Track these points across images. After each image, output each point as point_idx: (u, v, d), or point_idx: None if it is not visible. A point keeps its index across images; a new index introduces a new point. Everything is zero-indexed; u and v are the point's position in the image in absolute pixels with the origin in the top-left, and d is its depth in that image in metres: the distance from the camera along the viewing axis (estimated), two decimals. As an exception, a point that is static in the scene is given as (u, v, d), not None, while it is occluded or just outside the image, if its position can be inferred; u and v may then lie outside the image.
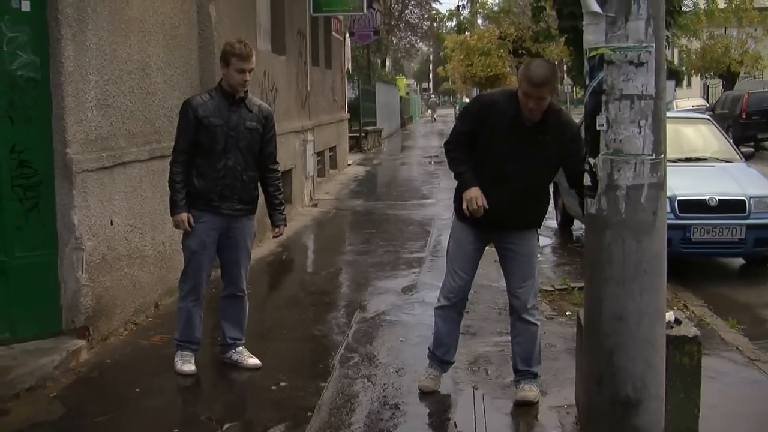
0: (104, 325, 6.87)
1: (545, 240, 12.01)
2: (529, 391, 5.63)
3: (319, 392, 5.83)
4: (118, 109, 7.19)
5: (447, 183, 19.54)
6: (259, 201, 6.38)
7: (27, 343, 6.39)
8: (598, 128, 4.20)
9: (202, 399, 5.92)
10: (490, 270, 9.55)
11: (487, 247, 5.81)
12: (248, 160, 6.15)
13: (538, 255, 10.98)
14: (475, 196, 5.38)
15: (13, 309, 6.40)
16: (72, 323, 6.59)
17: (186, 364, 6.22)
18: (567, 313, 7.75)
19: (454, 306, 5.78)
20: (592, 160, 4.28)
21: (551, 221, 13.16)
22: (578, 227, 12.18)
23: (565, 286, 8.72)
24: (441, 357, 5.87)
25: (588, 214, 4.35)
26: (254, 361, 6.35)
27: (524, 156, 5.37)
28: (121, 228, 7.18)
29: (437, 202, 16.07)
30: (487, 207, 5.38)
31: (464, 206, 5.43)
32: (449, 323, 5.83)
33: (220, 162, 6.04)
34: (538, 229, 5.82)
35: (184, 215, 6.06)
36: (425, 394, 5.77)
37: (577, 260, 10.17)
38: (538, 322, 5.73)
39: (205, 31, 9.37)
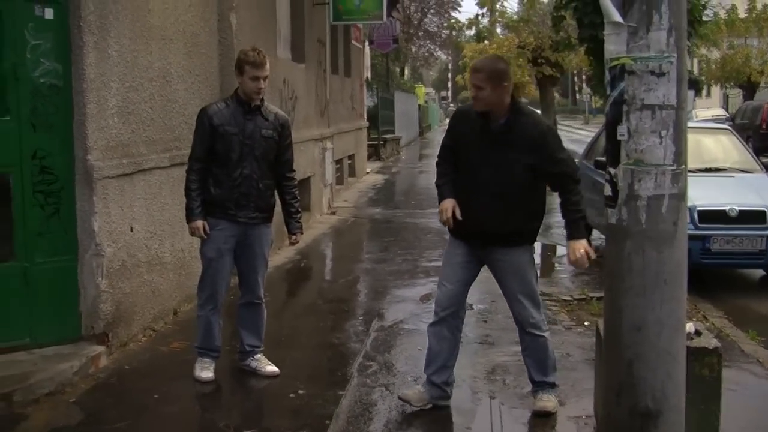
0: (123, 331, 6.89)
1: (563, 250, 11.97)
2: (547, 401, 5.60)
3: (337, 400, 5.82)
4: (138, 116, 7.23)
5: (465, 192, 19.52)
6: (276, 208, 6.39)
7: (46, 349, 6.43)
8: (618, 138, 4.19)
9: (220, 406, 5.92)
10: (508, 279, 9.57)
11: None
12: (264, 168, 6.15)
13: (556, 265, 11.03)
14: (444, 208, 5.48)
15: (34, 314, 6.43)
16: (91, 329, 6.62)
17: (204, 371, 6.23)
18: (585, 323, 7.73)
19: (443, 321, 5.66)
20: (612, 170, 4.26)
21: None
22: (597, 237, 12.14)
23: (584, 296, 8.70)
24: (429, 377, 5.71)
25: (608, 224, 4.33)
26: (272, 368, 6.35)
27: (494, 160, 5.37)
28: (141, 235, 7.20)
29: (456, 210, 16.02)
30: (459, 218, 5.44)
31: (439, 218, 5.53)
32: (441, 342, 5.68)
33: (236, 170, 6.05)
34: (533, 246, 5.66)
35: (200, 222, 6.08)
36: (445, 404, 5.72)
37: (596, 270, 10.10)
38: (545, 334, 5.63)
39: (225, 39, 9.41)
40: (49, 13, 6.34)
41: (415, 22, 58.19)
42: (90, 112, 6.48)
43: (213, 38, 9.15)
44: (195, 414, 5.76)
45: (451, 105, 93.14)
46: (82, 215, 6.53)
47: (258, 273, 6.32)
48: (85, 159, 6.47)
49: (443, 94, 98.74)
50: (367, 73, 28.25)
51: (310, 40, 14.50)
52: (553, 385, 5.67)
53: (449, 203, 5.48)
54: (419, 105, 51.29)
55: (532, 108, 6.45)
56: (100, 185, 6.54)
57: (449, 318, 5.66)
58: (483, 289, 9.16)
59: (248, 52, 6.07)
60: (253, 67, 5.99)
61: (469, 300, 8.31)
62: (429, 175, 24.46)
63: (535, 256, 5.72)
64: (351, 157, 21.02)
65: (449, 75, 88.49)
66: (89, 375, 6.30)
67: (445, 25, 55.43)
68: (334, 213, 15.65)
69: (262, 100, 6.17)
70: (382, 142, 30.39)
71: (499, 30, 29.12)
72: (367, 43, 26.97)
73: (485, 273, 10.07)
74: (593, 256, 5.37)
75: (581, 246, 5.33)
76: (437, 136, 53.52)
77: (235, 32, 9.54)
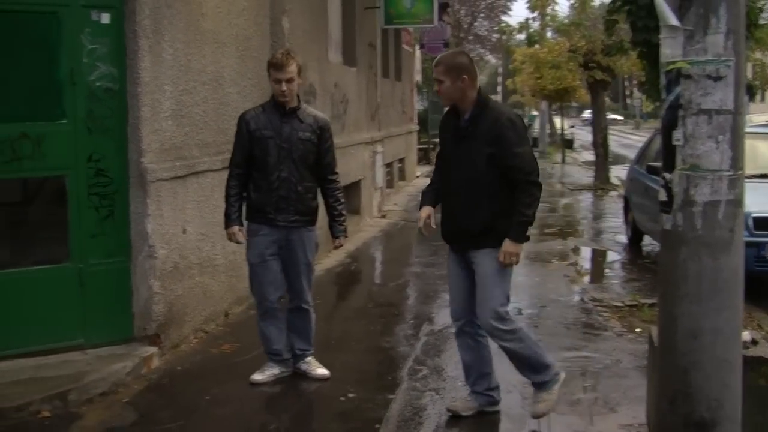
0: (175, 332, 6.95)
1: (614, 255, 11.87)
2: (539, 402, 5.48)
3: (387, 404, 5.81)
4: (192, 119, 7.29)
5: (515, 196, 19.41)
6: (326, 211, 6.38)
7: (100, 349, 6.52)
8: (674, 143, 4.14)
9: (271, 408, 5.93)
10: (559, 284, 9.53)
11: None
12: (302, 171, 6.10)
13: (607, 270, 10.92)
14: (419, 216, 5.52)
15: (88, 315, 6.53)
16: (144, 330, 6.68)
17: (257, 374, 6.27)
18: (637, 330, 7.65)
19: (462, 332, 5.60)
20: (667, 176, 4.22)
21: (621, 236, 13.01)
22: (648, 242, 12.03)
23: (635, 302, 8.61)
24: (470, 386, 5.68)
25: (663, 230, 4.29)
26: (323, 371, 6.35)
27: (460, 155, 5.35)
28: (193, 237, 7.26)
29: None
30: (433, 226, 5.45)
31: None
32: (468, 352, 5.62)
33: (274, 174, 6.04)
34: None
35: (235, 228, 6.13)
36: (496, 410, 5.68)
37: (647, 276, 10.03)
38: (505, 342, 5.38)
39: (277, 42, 9.45)
40: (105, 18, 6.43)
41: (465, 26, 57.95)
42: (144, 116, 6.55)
43: (265, 42, 9.19)
44: (246, 416, 5.77)
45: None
46: (136, 217, 6.60)
47: (302, 278, 6.27)
48: (139, 162, 6.54)
49: (493, 98, 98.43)
50: (418, 77, 28.20)
51: (361, 44, 14.53)
52: (542, 384, 5.49)
53: (424, 212, 5.48)
54: (469, 109, 51.05)
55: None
56: (154, 188, 6.60)
57: (465, 327, 5.58)
58: (533, 293, 9.16)
59: (275, 55, 6.09)
60: (275, 69, 5.98)
61: (519, 305, 8.36)
62: (479, 179, 24.38)
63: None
64: (401, 160, 21.02)
65: (498, 79, 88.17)
66: (142, 376, 6.36)
67: (495, 29, 55.22)
68: (384, 216, 15.65)
69: (299, 102, 6.17)
70: (432, 146, 30.33)
71: (549, 34, 28.95)
72: (417, 47, 26.94)
73: (536, 278, 10.05)
74: (516, 263, 5.28)
75: (513, 253, 5.21)
76: (487, 140, 53.37)
77: (287, 36, 9.58)
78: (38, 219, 6.86)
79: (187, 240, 7.15)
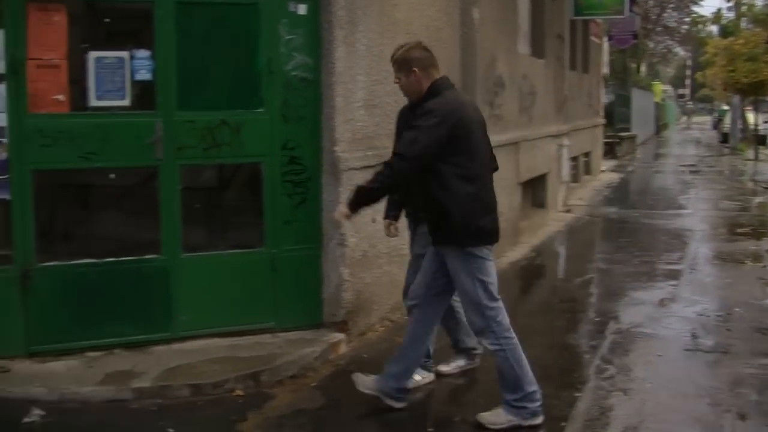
0: (362, 320, 7.05)
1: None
2: (489, 415, 5.33)
3: (573, 402, 5.72)
4: (383, 109, 7.35)
5: (705, 193, 18.81)
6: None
7: (290, 333, 6.70)
8: None
9: (454, 400, 5.93)
10: (753, 287, 9.15)
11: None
12: None
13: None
14: None
15: (279, 299, 6.72)
16: (332, 316, 6.81)
17: (443, 365, 6.27)
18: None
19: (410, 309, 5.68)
20: None
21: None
22: None
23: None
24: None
25: None
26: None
27: None
28: (382, 226, 7.29)
29: (694, 212, 15.49)
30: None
31: None
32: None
33: None
34: (468, 249, 5.14)
35: (386, 221, 6.21)
36: (686, 415, 5.49)
37: None
38: (494, 347, 5.28)
39: (467, 33, 9.44)
40: (302, 9, 6.60)
41: (653, 17, 56.40)
42: (338, 105, 6.66)
43: (455, 33, 9.19)
44: (430, 406, 5.80)
45: (689, 103, 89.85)
46: (328, 205, 6.72)
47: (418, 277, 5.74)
48: (332, 150, 6.66)
49: (681, 91, 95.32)
50: (605, 70, 27.64)
51: (550, 36, 14.37)
52: (510, 403, 5.30)
53: None
54: (656, 103, 49.85)
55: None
56: (346, 176, 6.70)
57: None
58: (723, 294, 8.85)
59: None
60: None
61: (706, 305, 8.14)
62: (665, 175, 23.83)
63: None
64: (587, 154, 20.67)
65: (686, 72, 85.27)
66: (329, 361, 6.49)
67: (685, 20, 53.56)
68: (569, 211, 15.43)
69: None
70: (617, 140, 29.71)
71: (744, 24, 27.89)
72: (605, 39, 26.41)
73: (727, 279, 9.67)
74: (343, 220, 5.41)
75: (340, 211, 5.31)
76: (674, 135, 51.97)
77: (477, 27, 9.56)
78: (234, 204, 7.11)
79: (376, 229, 7.21)
